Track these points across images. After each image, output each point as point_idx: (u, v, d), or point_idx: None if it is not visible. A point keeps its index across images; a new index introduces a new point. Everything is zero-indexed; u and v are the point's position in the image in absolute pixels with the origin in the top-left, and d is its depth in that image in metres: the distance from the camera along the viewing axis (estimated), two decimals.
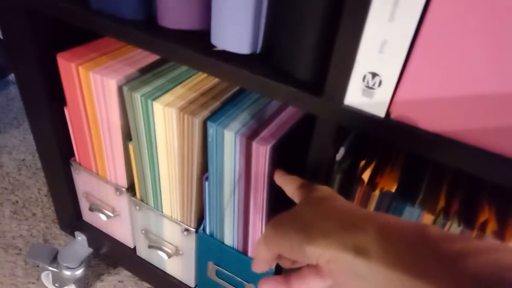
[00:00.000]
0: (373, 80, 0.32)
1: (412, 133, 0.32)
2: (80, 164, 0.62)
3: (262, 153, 0.41)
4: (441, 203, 0.36)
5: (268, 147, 0.41)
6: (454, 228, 0.35)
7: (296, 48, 0.35)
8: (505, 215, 0.36)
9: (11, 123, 1.15)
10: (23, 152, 1.06)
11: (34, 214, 0.90)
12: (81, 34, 0.55)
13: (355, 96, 0.33)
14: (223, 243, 0.53)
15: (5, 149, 1.06)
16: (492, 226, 0.34)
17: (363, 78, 0.32)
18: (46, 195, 0.95)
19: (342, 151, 0.41)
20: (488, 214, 0.35)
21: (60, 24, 0.53)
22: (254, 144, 0.41)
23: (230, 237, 0.52)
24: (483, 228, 0.34)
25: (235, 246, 0.52)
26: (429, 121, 0.31)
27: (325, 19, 0.33)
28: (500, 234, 0.34)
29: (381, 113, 0.33)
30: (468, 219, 0.35)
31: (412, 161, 0.42)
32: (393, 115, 0.32)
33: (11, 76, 1.32)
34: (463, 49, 0.28)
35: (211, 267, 0.57)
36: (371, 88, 0.32)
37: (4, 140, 1.09)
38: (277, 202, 0.46)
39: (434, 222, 0.36)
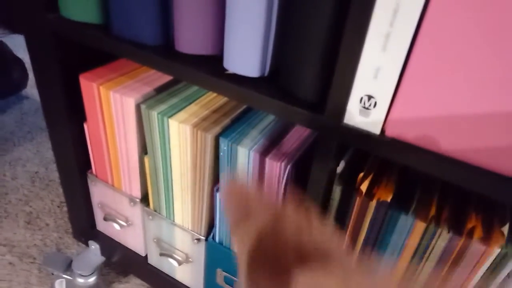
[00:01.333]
0: (369, 101, 0.36)
1: (404, 149, 0.36)
2: (96, 176, 0.66)
3: (275, 168, 0.45)
4: (432, 212, 0.40)
5: (281, 163, 0.45)
6: (444, 234, 0.39)
7: (300, 72, 0.40)
8: (491, 222, 0.40)
9: (25, 137, 1.20)
10: (36, 165, 1.10)
11: (47, 225, 0.94)
12: (101, 55, 0.60)
13: (353, 115, 0.37)
14: (231, 250, 0.57)
15: (19, 162, 1.11)
16: (478, 232, 0.38)
17: (360, 100, 0.36)
18: (58, 206, 0.99)
19: (342, 164, 0.45)
20: (475, 222, 0.39)
21: (82, 47, 0.57)
22: (268, 160, 0.45)
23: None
24: (470, 234, 0.38)
25: None
26: (420, 138, 0.35)
27: (327, 47, 0.37)
28: (486, 240, 0.38)
29: (377, 131, 0.37)
30: (456, 226, 0.39)
31: (406, 173, 0.46)
32: (387, 133, 0.36)
33: (25, 91, 1.38)
34: (449, 74, 0.32)
35: (220, 274, 0.60)
36: (367, 108, 0.36)
37: (18, 153, 1.14)
38: None
39: (426, 229, 0.39)
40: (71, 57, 0.57)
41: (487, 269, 0.39)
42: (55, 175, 1.08)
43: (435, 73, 0.32)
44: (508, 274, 0.39)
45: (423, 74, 0.33)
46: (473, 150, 0.33)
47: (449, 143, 0.34)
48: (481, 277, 0.39)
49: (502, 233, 0.38)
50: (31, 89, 1.42)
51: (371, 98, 0.35)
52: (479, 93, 0.31)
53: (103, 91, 0.54)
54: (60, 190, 1.03)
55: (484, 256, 0.38)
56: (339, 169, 0.44)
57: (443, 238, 0.39)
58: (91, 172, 0.67)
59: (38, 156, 1.14)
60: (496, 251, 0.37)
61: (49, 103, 0.61)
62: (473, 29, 0.29)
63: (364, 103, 0.36)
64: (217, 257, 0.59)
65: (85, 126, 0.62)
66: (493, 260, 0.38)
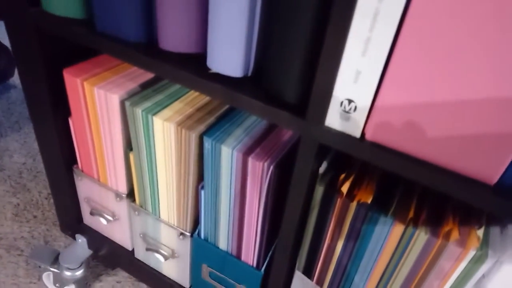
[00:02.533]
0: (349, 105, 0.36)
1: (384, 153, 0.36)
2: (82, 171, 0.66)
3: (258, 168, 0.45)
4: (411, 214, 0.41)
5: (264, 163, 0.45)
6: (422, 236, 0.39)
7: (283, 74, 0.40)
8: (467, 225, 0.40)
9: (12, 127, 1.19)
10: (24, 156, 1.10)
11: (35, 217, 0.94)
12: (85, 50, 0.59)
13: (334, 118, 0.37)
14: (216, 247, 0.57)
15: (7, 153, 1.10)
16: (455, 235, 0.39)
17: (340, 104, 0.36)
18: (46, 198, 0.99)
19: (324, 165, 0.45)
20: (452, 225, 0.40)
21: (66, 41, 0.57)
22: (250, 160, 0.45)
23: (224, 242, 0.56)
24: (447, 237, 0.39)
25: (229, 250, 0.56)
26: (398, 142, 0.35)
27: (310, 50, 0.37)
28: (462, 242, 0.38)
29: (357, 134, 0.37)
30: (434, 229, 0.40)
31: (386, 175, 0.46)
32: (367, 137, 0.37)
33: (12, 80, 1.36)
34: (428, 79, 0.32)
35: (205, 269, 0.61)
36: (347, 112, 0.36)
37: (5, 144, 1.13)
38: (272, 210, 0.50)
39: (404, 231, 0.40)
40: (55, 51, 0.57)
41: (462, 270, 0.39)
42: (42, 166, 1.07)
43: (414, 77, 0.32)
44: (483, 274, 0.39)
45: (402, 78, 0.33)
46: (451, 156, 0.34)
47: (428, 148, 0.34)
48: (457, 278, 0.40)
49: (478, 236, 0.39)
50: (19, 78, 1.40)
51: (351, 102, 0.36)
52: (458, 99, 0.32)
53: (87, 87, 0.54)
54: (48, 182, 1.03)
55: (460, 258, 0.39)
56: (322, 169, 0.45)
57: (420, 240, 0.40)
58: (77, 167, 0.67)
59: (26, 147, 1.13)
60: (471, 253, 0.38)
61: (33, 97, 0.60)
62: (453, 34, 0.30)
63: (345, 107, 0.36)
64: (202, 253, 0.59)
65: (70, 121, 0.61)
66: (469, 262, 0.38)
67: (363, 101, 0.35)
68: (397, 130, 0.35)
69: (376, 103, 0.35)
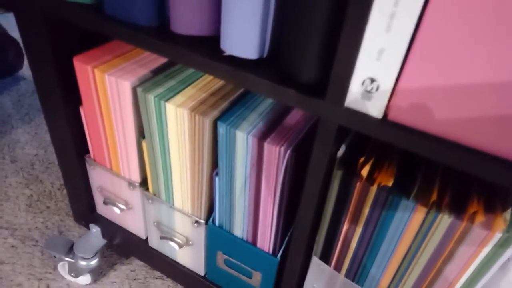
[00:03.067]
0: (371, 85, 0.35)
1: (407, 134, 0.35)
2: (95, 160, 0.66)
3: (274, 153, 0.44)
4: (434, 197, 0.39)
5: (280, 148, 0.44)
6: (445, 220, 0.38)
7: (301, 54, 0.38)
8: (493, 207, 0.39)
9: (23, 119, 1.19)
10: (35, 147, 1.10)
11: (48, 207, 0.94)
12: (95, 37, 0.58)
13: (355, 99, 0.36)
14: (232, 234, 0.57)
15: (18, 144, 1.10)
16: (480, 217, 0.37)
17: (362, 83, 0.35)
18: (59, 189, 0.99)
19: (343, 148, 0.44)
20: (476, 207, 0.38)
21: (75, 28, 0.56)
22: (266, 145, 0.44)
23: (240, 229, 0.56)
24: (471, 219, 0.38)
25: (245, 237, 0.56)
26: (422, 122, 0.34)
27: (329, 28, 0.35)
28: (487, 225, 0.37)
29: (379, 115, 0.36)
30: (458, 211, 0.38)
31: (407, 157, 0.45)
32: (390, 117, 0.35)
33: (21, 72, 1.36)
34: (455, 57, 0.31)
35: (220, 257, 0.61)
36: (369, 92, 0.35)
37: (16, 136, 1.13)
38: (289, 196, 0.49)
39: (427, 214, 0.39)
40: (64, 38, 0.56)
41: (487, 254, 0.38)
42: (54, 157, 1.07)
43: (441, 54, 0.31)
44: (508, 258, 0.38)
45: (428, 55, 0.31)
46: (478, 134, 0.32)
47: (453, 127, 0.33)
48: (481, 262, 0.39)
49: (504, 218, 0.37)
50: (28, 70, 1.40)
51: (373, 81, 0.34)
52: (487, 76, 0.30)
53: (98, 74, 0.53)
54: (60, 173, 1.03)
55: (485, 241, 0.37)
56: (340, 153, 0.44)
57: (444, 223, 0.38)
58: (89, 157, 0.67)
59: (37, 138, 1.13)
60: (497, 236, 0.37)
61: (44, 86, 0.60)
62: (484, 8, 0.28)
63: (366, 86, 0.35)
64: (217, 240, 0.59)
65: (81, 110, 0.61)
66: (494, 245, 0.37)
67: (386, 80, 0.34)
68: (421, 109, 0.34)
69: (399, 82, 0.33)
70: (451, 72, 0.31)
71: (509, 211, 0.38)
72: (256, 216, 0.52)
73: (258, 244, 0.55)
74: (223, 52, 0.43)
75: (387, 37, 0.32)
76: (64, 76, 0.58)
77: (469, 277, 0.40)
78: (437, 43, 0.31)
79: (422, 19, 0.30)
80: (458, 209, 0.39)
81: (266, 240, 0.54)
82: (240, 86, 0.42)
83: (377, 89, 0.34)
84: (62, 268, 0.80)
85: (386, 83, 0.34)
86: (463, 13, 0.29)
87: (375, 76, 0.34)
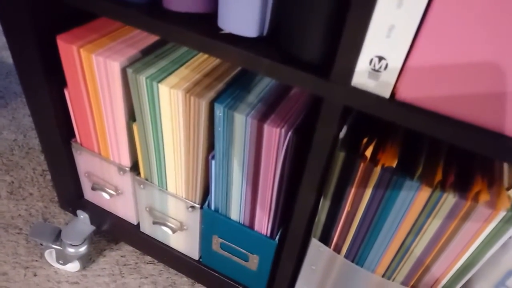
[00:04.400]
0: (380, 63, 0.33)
1: (416, 113, 0.34)
2: (81, 145, 0.63)
3: (274, 135, 0.43)
4: (438, 177, 0.39)
5: (281, 130, 0.43)
6: (449, 199, 0.38)
7: (304, 31, 0.37)
8: (496, 186, 0.39)
9: None
10: (13, 132, 1.05)
11: (31, 194, 0.91)
12: (80, 14, 0.55)
13: (362, 78, 0.35)
14: (228, 218, 0.56)
15: None
16: (484, 196, 0.37)
17: (370, 62, 0.34)
18: (41, 175, 0.96)
19: (345, 129, 0.43)
20: (481, 185, 0.38)
21: (59, 4, 0.52)
22: (266, 127, 0.43)
23: (236, 213, 0.55)
24: (476, 198, 0.38)
25: (241, 221, 0.55)
26: (431, 101, 0.33)
27: (335, 3, 0.34)
28: (492, 204, 0.37)
29: (386, 94, 0.35)
30: (462, 191, 0.38)
31: (410, 137, 0.44)
32: (398, 96, 0.34)
33: None
34: (467, 36, 0.30)
35: (216, 241, 0.60)
36: (377, 71, 0.34)
37: None
38: (288, 178, 0.48)
39: (431, 194, 0.39)
40: (47, 15, 0.52)
41: (490, 232, 0.38)
42: (34, 142, 1.03)
43: (452, 33, 0.30)
44: (511, 236, 0.39)
45: (440, 32, 0.30)
46: (487, 113, 0.32)
47: (462, 106, 0.32)
48: (484, 240, 0.39)
49: (508, 196, 0.38)
50: (1, 51, 1.33)
51: (382, 59, 0.33)
52: (499, 55, 0.29)
53: (84, 55, 0.50)
54: (42, 158, 0.99)
55: (489, 219, 0.38)
56: (342, 134, 0.43)
57: (448, 203, 0.38)
58: (75, 141, 0.64)
59: (15, 123, 1.08)
60: (501, 214, 0.37)
61: (25, 68, 0.56)
62: None
63: (374, 65, 0.34)
64: (213, 224, 0.58)
65: (65, 92, 0.58)
66: (498, 223, 0.37)
67: (395, 59, 0.33)
68: (430, 88, 0.33)
69: (409, 61, 0.32)
70: (462, 50, 0.30)
71: None
72: (254, 200, 0.51)
73: (256, 228, 0.54)
74: (220, 30, 0.41)
75: (398, 13, 0.31)
76: (47, 56, 0.54)
77: (472, 255, 0.41)
78: (449, 19, 0.30)
79: None
80: (462, 188, 0.39)
81: (264, 224, 0.53)
82: (240, 65, 0.40)
83: (385, 67, 0.33)
84: (49, 255, 0.78)
85: (395, 62, 0.33)
86: None
87: (383, 54, 0.33)
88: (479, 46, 0.30)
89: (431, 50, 0.31)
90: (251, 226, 0.55)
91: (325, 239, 0.50)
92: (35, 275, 0.76)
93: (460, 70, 0.31)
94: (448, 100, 0.33)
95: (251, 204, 0.52)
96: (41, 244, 0.81)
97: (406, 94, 0.34)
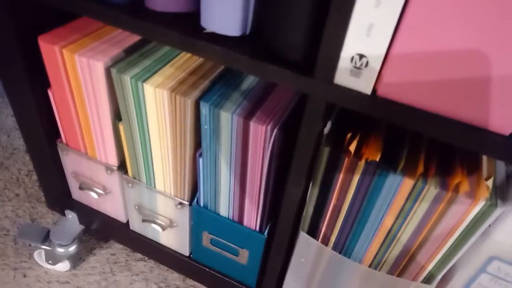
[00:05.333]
0: (360, 61, 0.34)
1: (397, 109, 0.35)
2: (67, 145, 0.63)
3: (260, 132, 0.44)
4: (420, 169, 0.40)
5: (267, 127, 0.43)
6: (431, 190, 0.39)
7: (287, 30, 0.37)
8: (476, 176, 0.40)
9: None
10: None
11: (17, 195, 0.90)
12: (62, 13, 0.54)
13: (344, 75, 0.36)
14: (217, 214, 0.56)
15: None
16: (464, 187, 0.39)
17: (351, 59, 0.34)
18: (27, 175, 0.95)
19: (329, 125, 0.44)
20: (461, 177, 0.40)
21: (40, 5, 0.52)
22: (252, 124, 0.43)
23: (225, 208, 0.55)
24: (456, 189, 0.39)
25: (230, 217, 0.56)
26: (411, 97, 0.34)
27: (316, 2, 0.34)
28: (471, 194, 0.39)
29: (368, 91, 0.35)
30: (443, 182, 0.40)
31: (393, 131, 0.45)
32: (379, 93, 0.35)
33: None
34: (445, 32, 0.30)
35: (206, 236, 0.60)
36: (358, 68, 0.35)
37: None
38: (275, 174, 0.49)
39: (414, 186, 0.40)
40: (27, 16, 0.52)
41: (470, 221, 0.40)
42: (19, 142, 1.02)
43: (431, 28, 0.31)
44: (489, 224, 0.40)
45: (418, 29, 0.31)
46: (466, 108, 0.33)
47: (442, 101, 0.33)
48: (464, 229, 0.41)
49: (487, 186, 0.39)
50: None
51: (362, 57, 0.34)
52: (476, 49, 0.30)
53: (67, 55, 0.50)
54: (27, 158, 0.98)
55: (469, 209, 0.39)
56: (326, 130, 0.43)
57: (430, 194, 0.40)
58: (61, 141, 0.63)
59: None
60: (481, 203, 0.38)
61: (7, 69, 0.56)
62: None
63: (355, 63, 0.34)
64: (202, 221, 0.58)
65: (49, 92, 0.57)
66: (477, 212, 0.39)
67: (375, 56, 0.33)
68: (410, 84, 0.34)
69: (388, 58, 0.33)
70: (440, 47, 0.31)
71: (491, 179, 0.39)
72: (242, 196, 0.52)
73: (245, 223, 0.55)
74: (203, 29, 0.41)
75: (377, 12, 0.31)
76: (30, 57, 0.54)
77: (454, 243, 0.42)
78: (427, 16, 0.30)
79: None
80: (443, 179, 0.40)
81: (252, 219, 0.54)
82: (223, 64, 0.41)
83: (366, 65, 0.34)
84: (39, 256, 0.77)
85: (375, 59, 0.34)
86: None
87: (364, 52, 0.34)
88: (457, 42, 0.31)
89: (410, 47, 0.32)
90: (240, 221, 0.55)
91: (313, 232, 0.51)
92: (24, 276, 0.76)
93: (439, 66, 0.32)
94: (428, 96, 0.34)
95: (240, 200, 0.53)
96: (30, 245, 0.80)
97: (387, 90, 0.35)
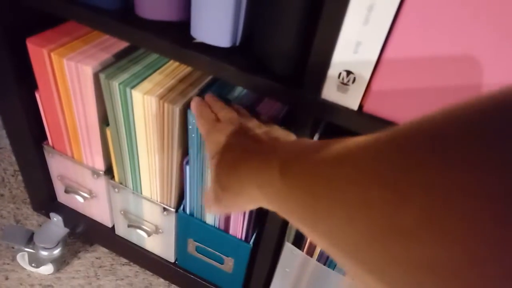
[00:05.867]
0: (348, 77, 0.34)
1: (382, 124, 0.35)
2: (53, 148, 0.62)
3: None
4: None
5: None
6: None
7: (276, 43, 0.37)
8: None
9: None
10: None
11: (2, 195, 0.89)
12: (51, 16, 0.53)
13: (331, 91, 0.36)
14: (203, 221, 0.56)
15: None
16: None
17: (338, 75, 0.35)
18: (13, 175, 0.93)
19: (317, 136, 0.44)
20: None
21: (28, 7, 0.51)
22: None
23: (211, 217, 0.55)
24: None
25: (217, 225, 0.55)
26: (397, 113, 0.35)
27: (305, 17, 0.34)
28: None
29: (354, 107, 0.36)
30: None
31: None
32: (365, 109, 0.35)
33: None
34: (429, 51, 0.31)
35: (191, 244, 0.60)
36: (345, 84, 0.35)
37: None
38: None
39: None
40: (17, 16, 0.51)
41: None
42: (5, 142, 1.00)
43: (418, 47, 0.31)
44: None
45: (405, 48, 0.31)
46: None
47: None
48: None
49: None
50: None
51: (350, 73, 0.34)
52: (461, 66, 0.31)
53: (55, 59, 0.49)
54: (13, 158, 0.97)
55: None
56: None
57: None
58: (47, 143, 0.63)
59: None
60: None
61: None
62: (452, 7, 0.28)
63: (343, 79, 0.35)
64: (188, 228, 0.58)
65: (36, 95, 0.57)
66: None
67: (363, 73, 0.34)
68: (397, 101, 0.34)
69: (375, 74, 0.33)
70: (427, 65, 0.32)
71: None
72: None
73: (231, 231, 0.55)
74: (193, 39, 0.41)
75: (365, 30, 0.32)
76: (17, 60, 0.53)
77: None
78: (415, 35, 0.31)
79: (400, 11, 0.30)
80: None
81: (238, 228, 0.54)
82: (212, 74, 0.41)
83: (353, 81, 0.34)
84: (22, 258, 0.76)
85: (363, 76, 0.34)
86: (438, 10, 0.29)
87: (351, 69, 0.34)
88: (444, 61, 0.31)
89: (396, 65, 0.32)
90: (227, 230, 0.55)
91: (298, 242, 0.51)
92: (6, 279, 0.75)
93: (425, 84, 0.32)
94: (413, 112, 0.34)
95: None
96: (13, 248, 0.79)
97: (374, 106, 0.35)
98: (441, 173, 0.14)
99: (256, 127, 0.36)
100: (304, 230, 0.23)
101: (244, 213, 0.51)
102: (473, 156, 0.13)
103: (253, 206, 0.31)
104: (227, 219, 0.54)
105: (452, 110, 0.15)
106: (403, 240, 0.15)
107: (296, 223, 0.24)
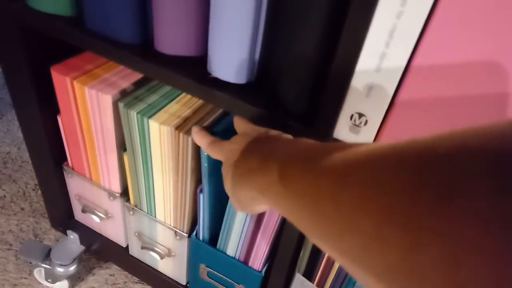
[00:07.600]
0: (360, 119, 0.35)
1: None
2: (73, 169, 0.64)
3: None
4: None
5: None
6: None
7: (289, 82, 0.38)
8: None
9: None
10: (8, 145, 1.06)
11: (22, 209, 0.92)
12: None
13: (343, 131, 0.36)
14: (215, 248, 0.56)
15: None
16: None
17: (350, 117, 0.35)
18: (33, 189, 0.96)
19: None
20: None
21: (53, 38, 0.53)
22: None
23: (232, 248, 0.55)
24: None
25: (237, 257, 0.56)
26: None
27: (319, 61, 0.35)
28: None
29: None
30: None
31: None
32: None
33: None
34: (442, 99, 0.31)
35: (203, 269, 0.61)
36: (357, 126, 0.35)
37: None
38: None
39: None
40: (41, 47, 0.53)
41: None
42: (28, 155, 1.04)
43: (429, 92, 0.31)
44: None
45: (417, 95, 0.32)
46: None
47: None
48: None
49: None
50: None
51: (362, 116, 0.34)
52: (475, 109, 0.31)
53: (77, 86, 0.51)
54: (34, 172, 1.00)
55: None
56: None
57: None
58: (67, 165, 0.65)
59: (9, 135, 1.09)
60: None
61: (19, 95, 0.57)
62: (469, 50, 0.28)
63: (355, 121, 0.35)
64: (199, 253, 0.59)
65: (58, 119, 0.59)
66: None
67: (375, 116, 0.34)
68: None
69: (388, 118, 0.34)
70: (440, 110, 0.32)
71: None
72: (254, 235, 0.52)
73: (250, 263, 0.55)
74: (209, 74, 0.42)
75: (378, 75, 0.32)
76: (41, 85, 0.55)
77: None
78: (426, 84, 0.31)
79: (413, 57, 0.30)
80: None
81: (258, 261, 0.54)
82: (226, 109, 0.42)
83: (365, 123, 0.35)
84: (39, 273, 0.78)
85: (375, 119, 0.34)
86: (453, 49, 0.29)
87: (363, 111, 0.34)
88: (459, 104, 0.31)
89: (410, 109, 0.33)
90: (246, 261, 0.55)
91: (309, 274, 0.51)
92: None
93: (435, 127, 0.32)
94: None
95: (251, 239, 0.53)
96: (31, 262, 0.81)
97: None
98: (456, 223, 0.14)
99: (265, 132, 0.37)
100: (308, 234, 0.23)
101: (265, 248, 0.52)
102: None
103: (259, 206, 0.32)
104: (249, 252, 0.54)
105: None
106: (416, 279, 0.15)
107: (297, 224, 0.24)
